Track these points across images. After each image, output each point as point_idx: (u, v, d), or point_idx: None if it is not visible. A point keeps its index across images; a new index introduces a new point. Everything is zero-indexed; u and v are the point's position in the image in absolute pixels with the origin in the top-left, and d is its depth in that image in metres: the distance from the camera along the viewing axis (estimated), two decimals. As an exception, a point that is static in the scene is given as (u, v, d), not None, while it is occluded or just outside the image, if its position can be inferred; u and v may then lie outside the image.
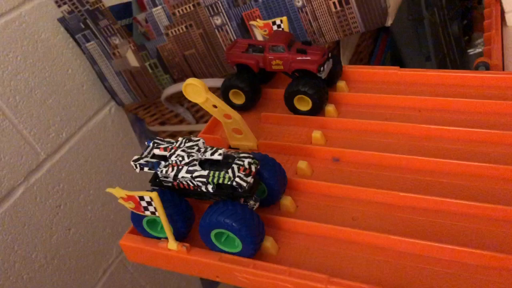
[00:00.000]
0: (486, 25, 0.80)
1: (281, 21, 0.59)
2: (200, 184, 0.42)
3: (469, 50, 1.27)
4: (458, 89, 0.55)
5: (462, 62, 1.18)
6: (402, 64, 1.10)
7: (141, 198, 0.40)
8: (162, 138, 0.45)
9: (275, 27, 0.59)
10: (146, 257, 0.45)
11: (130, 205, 0.41)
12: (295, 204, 0.46)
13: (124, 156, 1.03)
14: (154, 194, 0.39)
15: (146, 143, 0.45)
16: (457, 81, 0.56)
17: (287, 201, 0.46)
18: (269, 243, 0.42)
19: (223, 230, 0.40)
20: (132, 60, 0.90)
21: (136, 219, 0.44)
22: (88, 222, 0.96)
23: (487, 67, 0.71)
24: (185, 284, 1.22)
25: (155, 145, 0.44)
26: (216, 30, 0.84)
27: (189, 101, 0.98)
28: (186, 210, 0.43)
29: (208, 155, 0.42)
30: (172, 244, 0.42)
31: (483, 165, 0.45)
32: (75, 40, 0.89)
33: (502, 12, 0.82)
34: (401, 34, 1.06)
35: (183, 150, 0.42)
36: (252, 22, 0.62)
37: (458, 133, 0.49)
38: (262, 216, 0.43)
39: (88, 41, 0.89)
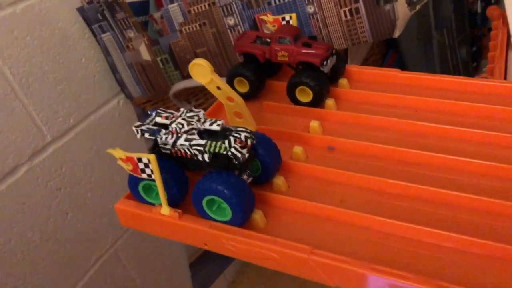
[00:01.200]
0: (491, 46, 0.82)
1: (290, 17, 0.61)
2: (197, 152, 0.43)
3: (476, 77, 1.29)
4: (457, 94, 0.57)
5: (467, 86, 1.19)
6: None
7: (139, 160, 0.42)
8: (165, 109, 0.46)
9: (284, 23, 0.62)
10: (139, 222, 0.46)
11: (128, 167, 0.43)
12: (287, 184, 0.48)
13: (128, 148, 1.04)
14: (152, 156, 0.41)
15: (149, 112, 0.47)
16: (457, 87, 0.57)
17: (279, 181, 0.47)
18: (258, 216, 0.43)
19: (215, 198, 0.42)
20: (145, 54, 0.92)
21: (133, 183, 0.45)
22: (87, 208, 0.97)
23: (488, 83, 0.73)
24: (177, 283, 1.22)
25: (158, 114, 0.46)
26: (228, 30, 0.87)
27: (196, 100, 1.00)
28: (182, 177, 0.45)
29: (207, 125, 0.44)
30: (165, 209, 0.44)
31: (469, 160, 0.46)
32: (91, 30, 0.92)
33: (509, 36, 0.84)
34: (410, 52, 1.08)
35: (183, 119, 0.44)
36: (262, 17, 0.64)
37: (450, 132, 0.50)
38: (254, 191, 0.45)
39: (103, 32, 0.91)
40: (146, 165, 0.42)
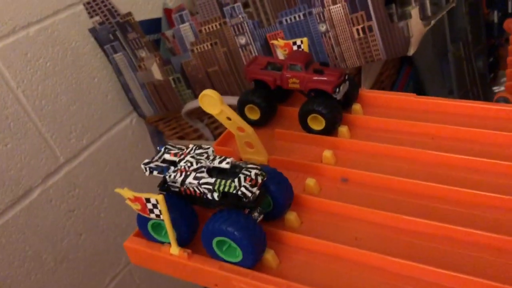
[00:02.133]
0: (509, 61, 0.80)
1: (302, 41, 0.60)
2: (206, 191, 0.42)
3: (494, 88, 1.27)
4: (474, 119, 0.55)
5: (486, 97, 1.17)
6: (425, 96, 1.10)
7: (147, 200, 0.41)
8: (173, 144, 0.45)
9: (295, 47, 0.60)
10: (149, 261, 0.46)
11: (136, 207, 0.42)
12: (300, 220, 0.46)
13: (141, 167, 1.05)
14: (160, 197, 0.40)
15: (157, 148, 0.46)
16: (473, 112, 0.56)
17: (292, 216, 0.46)
18: (270, 256, 0.42)
19: (225, 239, 0.41)
20: (157, 73, 0.92)
21: (142, 222, 0.45)
22: (100, 229, 0.97)
23: (507, 102, 0.71)
24: (191, 300, 1.21)
25: (166, 150, 0.45)
26: (240, 49, 0.86)
27: (209, 118, 0.99)
28: (191, 216, 0.44)
29: (216, 163, 0.42)
30: (174, 249, 0.43)
31: (491, 195, 0.44)
32: (104, 51, 0.92)
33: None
34: (425, 66, 1.06)
35: (192, 157, 0.43)
36: (273, 41, 0.63)
37: (469, 162, 0.49)
38: (266, 229, 0.43)
39: (115, 52, 0.91)
40: (155, 206, 0.41)
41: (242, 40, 0.85)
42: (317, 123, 0.56)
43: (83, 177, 0.93)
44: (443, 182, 0.47)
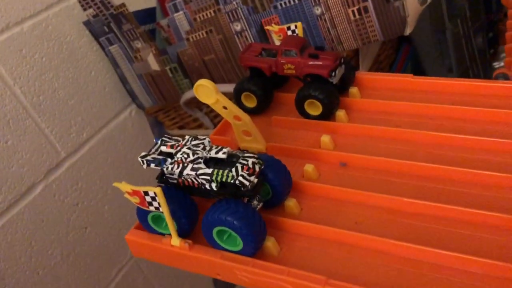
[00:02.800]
0: (508, 37, 0.79)
1: (296, 26, 0.60)
2: (204, 181, 0.42)
3: (494, 63, 1.25)
4: (472, 98, 0.54)
5: (486, 74, 1.16)
6: (423, 75, 1.09)
7: (146, 193, 0.41)
8: (170, 136, 0.45)
9: (289, 32, 0.60)
10: (150, 253, 0.46)
11: (135, 200, 0.42)
12: (299, 206, 0.46)
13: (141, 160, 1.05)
14: (158, 190, 0.40)
15: (154, 140, 0.46)
16: (472, 90, 0.55)
17: (291, 203, 0.46)
18: (270, 243, 0.42)
19: (225, 228, 0.41)
20: (153, 64, 0.92)
21: (142, 214, 0.45)
22: (105, 222, 0.98)
23: (507, 78, 0.70)
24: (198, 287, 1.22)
25: (163, 142, 0.45)
26: (235, 36, 0.85)
27: (208, 106, 0.99)
28: (190, 207, 0.44)
29: (213, 154, 0.42)
30: (175, 240, 0.43)
31: (491, 173, 0.44)
32: (99, 43, 0.91)
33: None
34: (423, 44, 1.05)
35: (188, 148, 0.43)
36: (267, 27, 0.63)
37: (468, 141, 0.48)
38: (265, 216, 0.43)
39: (111, 44, 0.91)
40: (153, 198, 0.41)
41: (237, 27, 0.84)
42: (314, 108, 0.55)
43: (85, 171, 0.93)
44: (443, 162, 0.47)
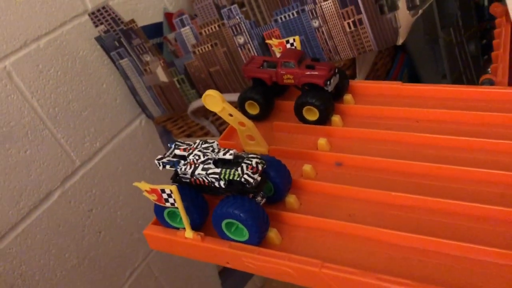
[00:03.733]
0: (495, 44, 0.84)
1: (294, 39, 0.65)
2: (213, 180, 0.47)
3: (488, 69, 1.30)
4: (458, 102, 0.59)
5: (479, 80, 1.21)
6: (419, 82, 1.14)
7: (163, 191, 0.46)
8: (182, 141, 0.51)
9: (288, 45, 0.65)
10: (166, 245, 0.51)
11: (153, 197, 0.47)
12: (299, 202, 0.51)
13: (152, 165, 1.10)
14: (174, 187, 0.45)
15: (168, 145, 0.51)
16: (457, 95, 0.60)
17: (291, 199, 0.51)
18: (273, 234, 0.47)
19: (232, 220, 0.46)
20: (162, 76, 0.97)
21: (158, 211, 0.50)
22: (117, 226, 1.03)
23: (492, 84, 0.75)
24: (207, 290, 1.27)
25: (176, 146, 0.50)
26: (239, 49, 0.91)
27: (214, 115, 1.04)
28: (202, 203, 0.49)
29: (221, 155, 0.48)
30: (189, 233, 0.48)
31: (473, 169, 0.49)
32: (110, 57, 0.97)
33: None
34: (418, 52, 1.10)
35: (199, 151, 0.48)
36: (268, 41, 0.68)
37: (451, 141, 0.53)
38: (268, 211, 0.49)
39: (121, 58, 0.96)
40: (169, 195, 0.46)
41: (241, 40, 0.90)
42: (312, 114, 0.61)
43: (99, 178, 0.98)
44: (429, 160, 0.52)
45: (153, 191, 0.47)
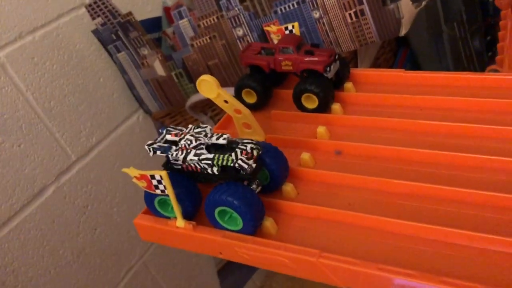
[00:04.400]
0: (500, 36, 0.82)
1: (293, 26, 0.63)
2: (206, 166, 0.45)
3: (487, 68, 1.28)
4: (462, 90, 0.57)
5: (484, 77, 1.19)
6: (422, 78, 1.12)
7: (152, 177, 0.44)
8: (174, 126, 0.49)
9: (287, 32, 0.63)
10: (157, 235, 0.49)
11: (142, 184, 0.45)
12: (296, 191, 0.49)
13: (149, 161, 1.08)
14: (164, 173, 0.43)
15: (160, 130, 0.49)
16: (462, 83, 0.58)
17: (288, 187, 0.49)
18: (268, 223, 0.45)
19: (226, 208, 0.44)
20: (159, 70, 0.95)
21: (149, 199, 0.48)
22: (113, 223, 1.01)
23: (497, 75, 0.73)
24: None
25: (168, 132, 0.48)
26: (238, 41, 0.89)
27: (212, 110, 1.02)
28: (194, 191, 0.47)
29: (214, 140, 0.46)
30: (180, 222, 0.46)
31: (476, 156, 0.47)
32: (107, 51, 0.95)
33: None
34: (420, 48, 1.08)
35: (191, 135, 0.46)
36: (266, 28, 0.66)
37: (455, 128, 0.51)
38: (264, 200, 0.46)
39: (119, 51, 0.94)
40: (159, 182, 0.44)
41: (240, 32, 0.88)
42: (311, 102, 0.58)
43: (95, 174, 0.96)
44: (430, 148, 0.49)
45: (142, 177, 0.44)
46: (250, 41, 0.87)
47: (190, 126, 0.48)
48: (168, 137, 0.48)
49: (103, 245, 0.98)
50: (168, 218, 0.48)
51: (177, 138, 0.47)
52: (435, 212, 0.43)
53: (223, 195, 0.43)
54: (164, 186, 0.44)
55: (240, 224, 0.44)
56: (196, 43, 0.91)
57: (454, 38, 1.06)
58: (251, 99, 0.63)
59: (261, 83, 0.62)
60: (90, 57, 0.95)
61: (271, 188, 0.49)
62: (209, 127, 0.47)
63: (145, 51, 0.95)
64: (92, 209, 0.96)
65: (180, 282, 1.17)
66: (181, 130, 0.48)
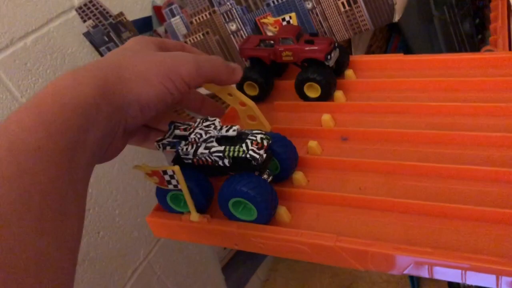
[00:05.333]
0: (492, 17, 0.83)
1: (290, 17, 0.63)
2: (217, 158, 0.45)
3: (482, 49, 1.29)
4: (461, 70, 0.58)
5: (475, 59, 1.20)
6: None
7: (164, 172, 0.44)
8: (181, 122, 0.49)
9: (284, 23, 0.63)
10: (171, 231, 0.49)
11: (154, 180, 0.45)
12: (306, 179, 0.49)
13: (148, 163, 1.08)
14: (177, 168, 0.43)
15: (167, 126, 0.49)
16: (459, 63, 0.59)
17: (298, 176, 0.49)
18: (282, 211, 0.45)
19: (240, 199, 0.44)
20: (154, 69, 0.95)
21: (161, 195, 0.48)
22: (116, 225, 1.00)
23: (493, 55, 0.73)
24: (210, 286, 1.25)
25: (175, 127, 0.48)
26: (231, 36, 0.89)
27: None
28: (206, 184, 0.47)
29: (223, 132, 0.46)
30: (194, 216, 0.46)
31: (483, 134, 0.47)
32: (100, 53, 0.94)
33: (509, 5, 0.85)
34: (412, 33, 1.09)
35: (201, 129, 0.46)
36: (263, 20, 0.66)
37: (456, 108, 0.52)
38: (276, 189, 0.46)
39: (111, 53, 0.94)
40: (172, 177, 0.44)
41: (233, 27, 0.88)
42: (313, 90, 0.59)
43: (94, 178, 0.96)
44: (436, 128, 0.50)
45: (154, 173, 0.44)
46: (244, 35, 0.87)
47: (198, 119, 0.48)
48: (177, 132, 0.48)
49: (108, 248, 0.98)
50: (181, 213, 0.48)
51: (186, 133, 0.47)
52: (447, 191, 0.44)
53: (237, 185, 0.43)
54: (177, 181, 0.44)
55: (254, 214, 0.44)
56: (190, 40, 0.91)
57: (445, 22, 1.07)
58: (253, 91, 0.63)
59: (262, 75, 0.62)
60: (83, 61, 0.94)
61: (282, 178, 0.49)
62: (217, 120, 0.47)
63: (138, 51, 0.94)
64: (94, 213, 0.95)
65: (186, 280, 1.17)
66: (188, 124, 0.48)
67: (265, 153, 0.45)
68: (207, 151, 0.45)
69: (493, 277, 0.35)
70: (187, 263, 1.17)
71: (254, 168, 0.45)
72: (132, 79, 0.38)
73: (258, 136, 0.45)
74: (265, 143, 0.45)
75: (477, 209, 0.41)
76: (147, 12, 1.07)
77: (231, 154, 0.45)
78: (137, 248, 1.04)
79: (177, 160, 0.48)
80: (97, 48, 0.94)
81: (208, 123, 0.47)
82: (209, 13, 0.88)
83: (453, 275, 0.37)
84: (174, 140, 0.47)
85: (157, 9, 1.06)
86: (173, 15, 0.91)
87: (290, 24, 0.63)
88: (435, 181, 0.45)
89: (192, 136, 0.46)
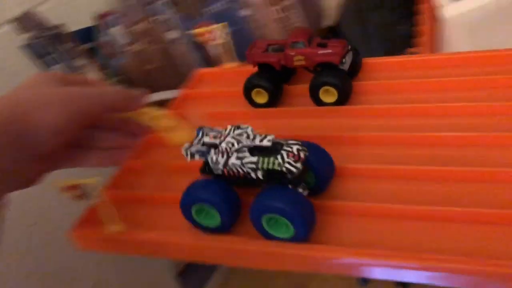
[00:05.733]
0: (421, 20, 0.83)
1: (221, 26, 0.62)
2: (250, 170, 0.41)
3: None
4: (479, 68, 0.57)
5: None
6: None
7: (80, 186, 0.41)
8: (211, 127, 0.44)
9: (214, 31, 0.61)
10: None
11: (72, 194, 0.42)
12: (343, 190, 0.46)
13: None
14: (94, 180, 0.41)
15: (196, 131, 0.44)
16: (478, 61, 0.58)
17: (335, 187, 0.46)
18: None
19: (275, 215, 0.40)
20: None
21: (186, 208, 0.44)
22: (64, 240, 0.91)
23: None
24: None
25: (205, 133, 0.43)
26: (171, 44, 0.88)
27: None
28: (235, 201, 0.43)
29: (257, 142, 0.41)
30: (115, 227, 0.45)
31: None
32: (40, 65, 0.86)
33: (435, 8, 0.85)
34: (350, 37, 1.07)
35: (233, 137, 0.42)
36: (193, 31, 0.64)
37: (476, 108, 0.51)
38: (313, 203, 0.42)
39: (53, 64, 0.87)
40: (93, 189, 0.42)
41: (172, 35, 0.87)
42: (330, 95, 0.56)
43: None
44: (458, 130, 0.49)
45: (72, 187, 0.41)
46: (183, 43, 0.86)
47: (229, 126, 0.43)
48: (206, 139, 0.43)
49: (56, 265, 0.88)
50: (207, 228, 0.44)
51: (216, 141, 0.42)
52: (477, 195, 0.42)
53: (272, 201, 0.40)
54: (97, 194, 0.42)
55: (291, 231, 0.40)
56: (131, 50, 0.88)
57: (380, 25, 1.07)
58: (262, 99, 0.59)
59: (272, 81, 0.58)
60: (24, 73, 0.84)
61: (317, 190, 0.45)
62: (250, 127, 0.43)
63: (80, 62, 0.88)
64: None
65: None
66: (219, 131, 0.43)
67: (301, 165, 0.41)
68: (239, 161, 0.41)
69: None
70: (141, 272, 1.09)
71: (289, 181, 0.41)
72: (35, 107, 0.36)
73: (295, 148, 0.41)
74: (302, 155, 0.41)
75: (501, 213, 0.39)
76: (88, 22, 0.99)
77: (265, 166, 0.40)
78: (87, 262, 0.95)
79: (205, 169, 0.43)
80: (38, 59, 0.86)
81: (240, 131, 0.42)
82: (149, 23, 0.86)
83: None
84: (203, 149, 0.42)
85: (98, 18, 0.99)
86: (113, 25, 0.88)
87: (301, 28, 0.59)
88: (451, 185, 0.44)
89: (224, 145, 0.41)
